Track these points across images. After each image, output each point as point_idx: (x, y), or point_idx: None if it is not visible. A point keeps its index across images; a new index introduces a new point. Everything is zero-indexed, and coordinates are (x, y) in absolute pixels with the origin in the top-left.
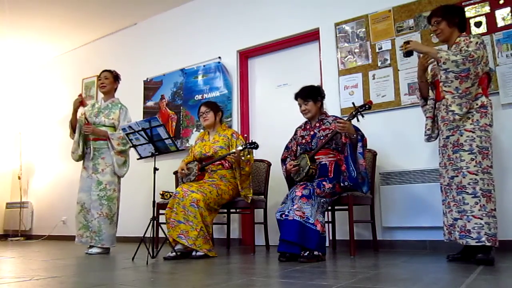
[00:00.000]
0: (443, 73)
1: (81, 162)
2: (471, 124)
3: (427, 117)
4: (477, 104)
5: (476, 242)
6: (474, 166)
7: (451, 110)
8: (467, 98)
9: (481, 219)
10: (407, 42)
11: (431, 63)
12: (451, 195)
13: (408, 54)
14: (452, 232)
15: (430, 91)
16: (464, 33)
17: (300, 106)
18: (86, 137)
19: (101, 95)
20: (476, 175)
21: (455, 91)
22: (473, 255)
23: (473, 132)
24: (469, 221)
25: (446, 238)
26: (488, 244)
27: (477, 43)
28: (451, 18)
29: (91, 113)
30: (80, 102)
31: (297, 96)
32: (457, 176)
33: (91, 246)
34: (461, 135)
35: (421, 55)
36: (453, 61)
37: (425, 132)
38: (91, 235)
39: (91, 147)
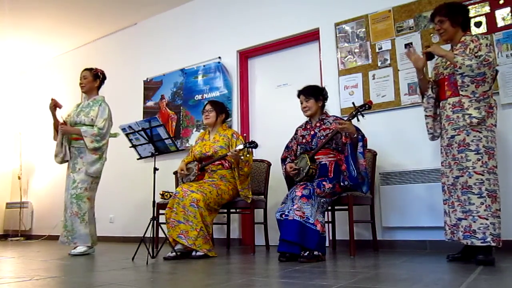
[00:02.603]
0: (459, 77)
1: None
2: (478, 123)
3: (427, 116)
4: None
5: (482, 243)
6: (481, 166)
7: (468, 113)
8: (485, 101)
9: (487, 219)
10: (427, 46)
11: (423, 65)
12: (455, 195)
13: (429, 57)
14: (455, 232)
15: (429, 89)
16: (468, 32)
17: (302, 103)
18: (70, 137)
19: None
20: (482, 175)
21: (472, 95)
22: (473, 255)
23: (480, 132)
24: (474, 221)
25: (448, 238)
26: (493, 244)
27: (487, 45)
28: (455, 17)
29: (74, 113)
30: (54, 106)
31: (300, 93)
32: (462, 176)
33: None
34: (468, 135)
35: (416, 56)
36: (467, 65)
37: (428, 131)
38: (67, 234)
39: (72, 146)
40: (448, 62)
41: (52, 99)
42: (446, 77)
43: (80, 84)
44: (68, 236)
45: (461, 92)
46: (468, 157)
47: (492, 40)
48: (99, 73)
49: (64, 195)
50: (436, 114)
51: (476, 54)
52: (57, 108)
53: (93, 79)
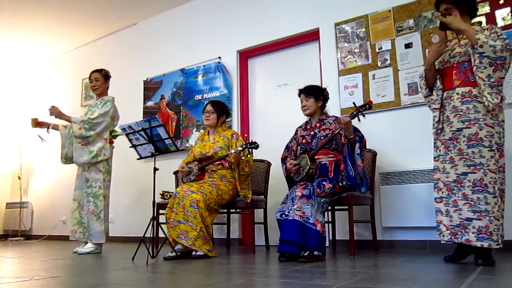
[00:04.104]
0: (478, 57)
1: None
2: (491, 118)
3: (434, 109)
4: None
5: (497, 245)
6: (494, 164)
7: (485, 96)
8: (498, 89)
9: (499, 220)
10: (443, 14)
11: (446, 51)
12: (460, 193)
13: (443, 27)
14: (460, 233)
15: (438, 80)
16: (476, 21)
17: (302, 102)
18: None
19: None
20: (496, 173)
21: (487, 78)
22: (468, 253)
23: (493, 128)
24: (491, 222)
25: (446, 239)
26: (500, 246)
27: (502, 34)
28: (463, 5)
29: (83, 112)
30: (37, 125)
31: (301, 92)
32: (473, 172)
33: (85, 243)
34: (481, 129)
35: (438, 41)
36: (491, 45)
37: (434, 125)
38: (84, 231)
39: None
40: (456, 50)
41: (32, 119)
42: (455, 65)
43: (93, 87)
44: (84, 233)
45: (476, 73)
46: (482, 153)
47: None
48: (108, 74)
49: (75, 193)
50: (441, 107)
51: (500, 37)
52: (41, 125)
53: (105, 80)
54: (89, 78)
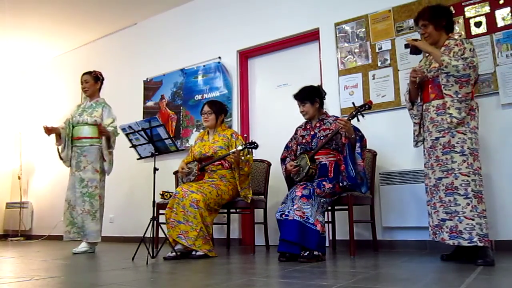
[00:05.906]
0: (444, 77)
1: None
2: (462, 126)
3: (415, 123)
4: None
5: (468, 243)
6: (466, 167)
7: (449, 113)
8: (466, 103)
9: (473, 219)
10: (414, 39)
11: (420, 79)
12: (437, 196)
13: (415, 51)
14: (438, 232)
15: (419, 96)
16: (451, 34)
17: (299, 107)
18: (72, 137)
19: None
20: (468, 176)
21: (455, 95)
22: (465, 254)
23: (465, 134)
24: (460, 222)
25: (431, 238)
26: (480, 244)
27: (471, 49)
28: (438, 21)
29: (76, 113)
30: (49, 132)
31: (295, 97)
32: (446, 177)
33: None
34: (453, 137)
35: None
36: (454, 65)
37: (414, 138)
38: (77, 230)
39: (74, 146)
40: (432, 65)
41: (44, 128)
42: (430, 79)
43: (83, 88)
44: (79, 233)
45: (444, 91)
46: (453, 158)
47: (492, 40)
48: (98, 75)
49: (67, 193)
50: (421, 120)
51: (462, 56)
52: (52, 131)
53: (95, 82)
54: (80, 80)
